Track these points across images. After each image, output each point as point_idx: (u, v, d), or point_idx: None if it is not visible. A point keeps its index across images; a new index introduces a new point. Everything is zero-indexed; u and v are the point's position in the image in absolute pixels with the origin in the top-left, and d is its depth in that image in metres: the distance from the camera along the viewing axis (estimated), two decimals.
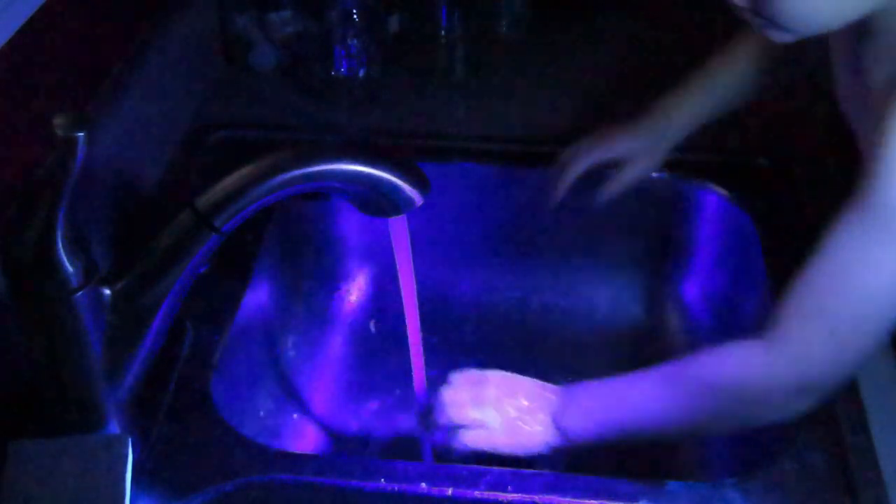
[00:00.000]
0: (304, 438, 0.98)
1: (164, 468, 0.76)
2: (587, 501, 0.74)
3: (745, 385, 0.71)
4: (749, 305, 1.00)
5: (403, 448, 0.99)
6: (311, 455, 0.79)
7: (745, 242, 1.02)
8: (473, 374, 0.84)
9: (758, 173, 1.06)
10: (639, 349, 1.09)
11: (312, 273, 1.12)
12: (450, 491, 0.74)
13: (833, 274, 0.66)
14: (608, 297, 1.13)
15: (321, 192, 0.73)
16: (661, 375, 0.77)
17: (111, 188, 0.90)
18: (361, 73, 1.18)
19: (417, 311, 0.85)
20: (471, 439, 0.80)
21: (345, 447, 0.98)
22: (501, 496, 0.74)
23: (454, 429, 0.81)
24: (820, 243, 0.67)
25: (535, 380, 0.83)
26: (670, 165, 1.01)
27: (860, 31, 0.68)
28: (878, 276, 0.64)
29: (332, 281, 1.14)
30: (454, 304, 1.13)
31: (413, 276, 0.82)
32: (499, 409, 0.80)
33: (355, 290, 1.14)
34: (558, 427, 0.79)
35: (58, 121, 0.59)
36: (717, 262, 1.08)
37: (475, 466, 0.77)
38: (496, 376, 0.83)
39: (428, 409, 0.85)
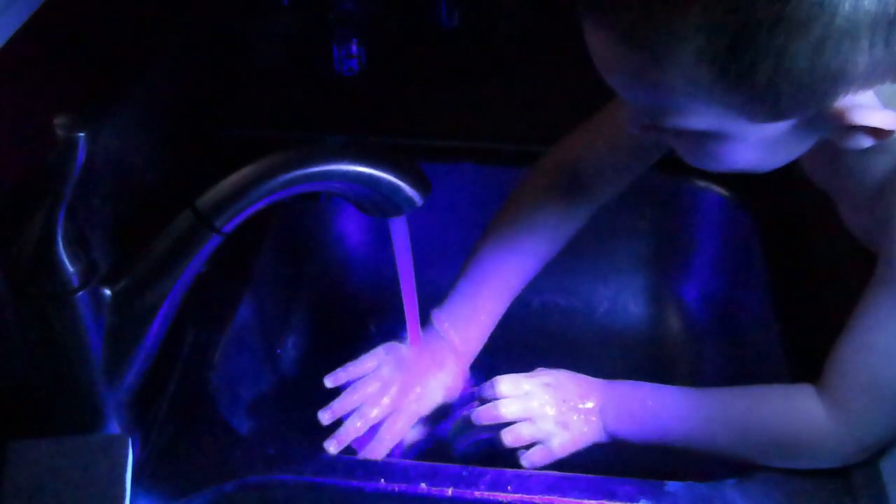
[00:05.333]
0: (305, 438, 0.98)
1: (164, 468, 0.76)
2: (587, 501, 0.74)
3: (802, 441, 0.74)
4: (749, 305, 0.99)
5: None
6: (311, 455, 0.79)
7: (745, 242, 1.02)
8: (518, 380, 0.82)
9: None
10: (639, 349, 1.08)
11: (312, 273, 1.12)
12: (450, 491, 0.74)
13: (878, 349, 0.69)
14: (608, 297, 1.13)
15: (321, 192, 0.73)
16: (717, 405, 0.78)
17: (111, 188, 0.90)
18: (361, 73, 1.18)
19: (417, 312, 0.85)
20: (532, 460, 0.79)
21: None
22: (501, 496, 0.74)
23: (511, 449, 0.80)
24: (857, 314, 0.70)
25: (577, 376, 0.82)
26: (671, 165, 1.01)
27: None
28: None
29: (332, 281, 1.14)
30: None
31: (413, 276, 0.82)
32: (553, 421, 0.79)
33: (355, 291, 1.14)
34: (605, 427, 0.80)
35: (58, 121, 0.59)
36: (718, 262, 1.08)
37: (475, 467, 0.77)
38: (540, 383, 0.81)
39: (467, 427, 0.83)
